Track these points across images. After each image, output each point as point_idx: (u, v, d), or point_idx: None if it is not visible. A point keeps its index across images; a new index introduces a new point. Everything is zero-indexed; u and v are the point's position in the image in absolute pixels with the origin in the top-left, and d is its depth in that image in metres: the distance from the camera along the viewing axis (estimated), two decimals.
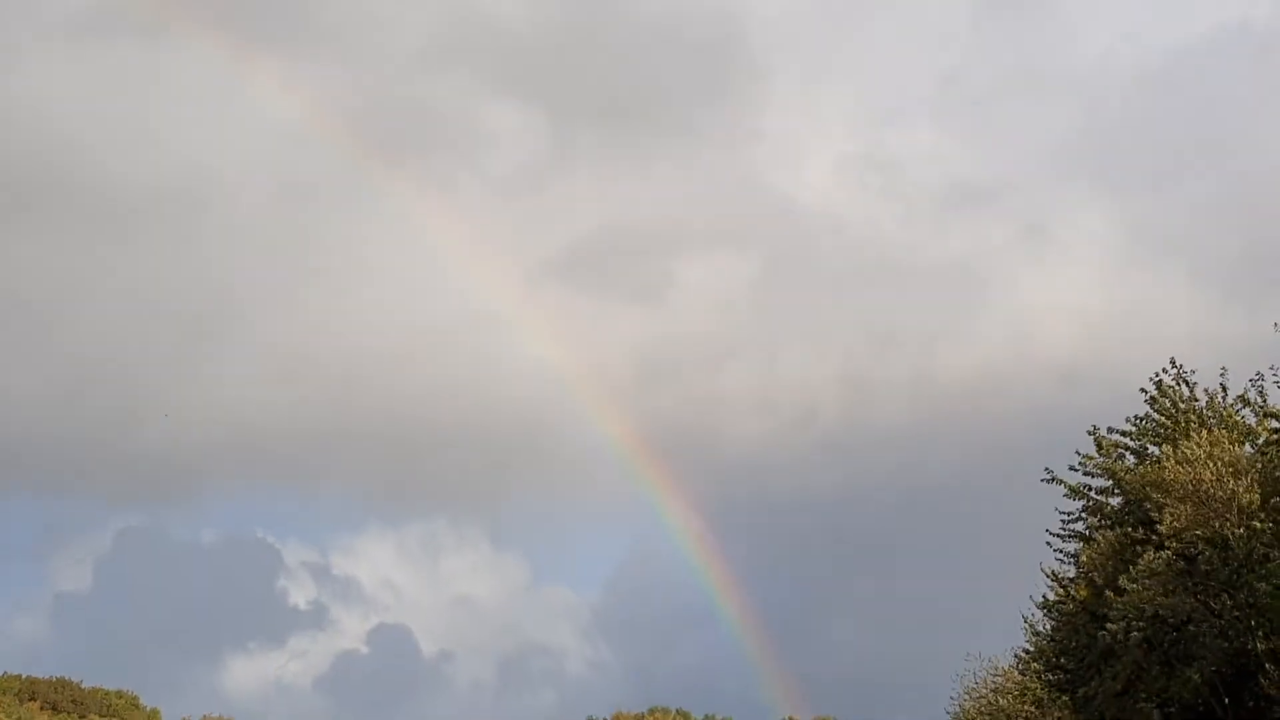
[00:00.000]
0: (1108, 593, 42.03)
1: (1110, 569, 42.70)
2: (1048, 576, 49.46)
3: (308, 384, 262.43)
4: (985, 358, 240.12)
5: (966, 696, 63.85)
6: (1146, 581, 40.13)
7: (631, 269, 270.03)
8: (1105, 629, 41.84)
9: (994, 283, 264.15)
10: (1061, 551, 47.78)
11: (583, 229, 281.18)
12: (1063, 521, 47.75)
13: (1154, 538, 42.00)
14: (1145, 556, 40.65)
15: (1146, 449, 45.40)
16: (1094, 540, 45.19)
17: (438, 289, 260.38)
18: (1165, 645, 41.67)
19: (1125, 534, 42.82)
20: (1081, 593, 46.68)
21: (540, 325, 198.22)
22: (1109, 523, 45.07)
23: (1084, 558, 44.84)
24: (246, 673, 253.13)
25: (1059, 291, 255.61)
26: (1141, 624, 40.64)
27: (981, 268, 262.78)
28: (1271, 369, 43.58)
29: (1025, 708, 57.44)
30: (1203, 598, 40.04)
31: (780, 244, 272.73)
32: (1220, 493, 39.91)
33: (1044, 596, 50.25)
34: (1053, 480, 46.29)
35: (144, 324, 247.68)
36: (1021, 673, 56.26)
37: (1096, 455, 45.74)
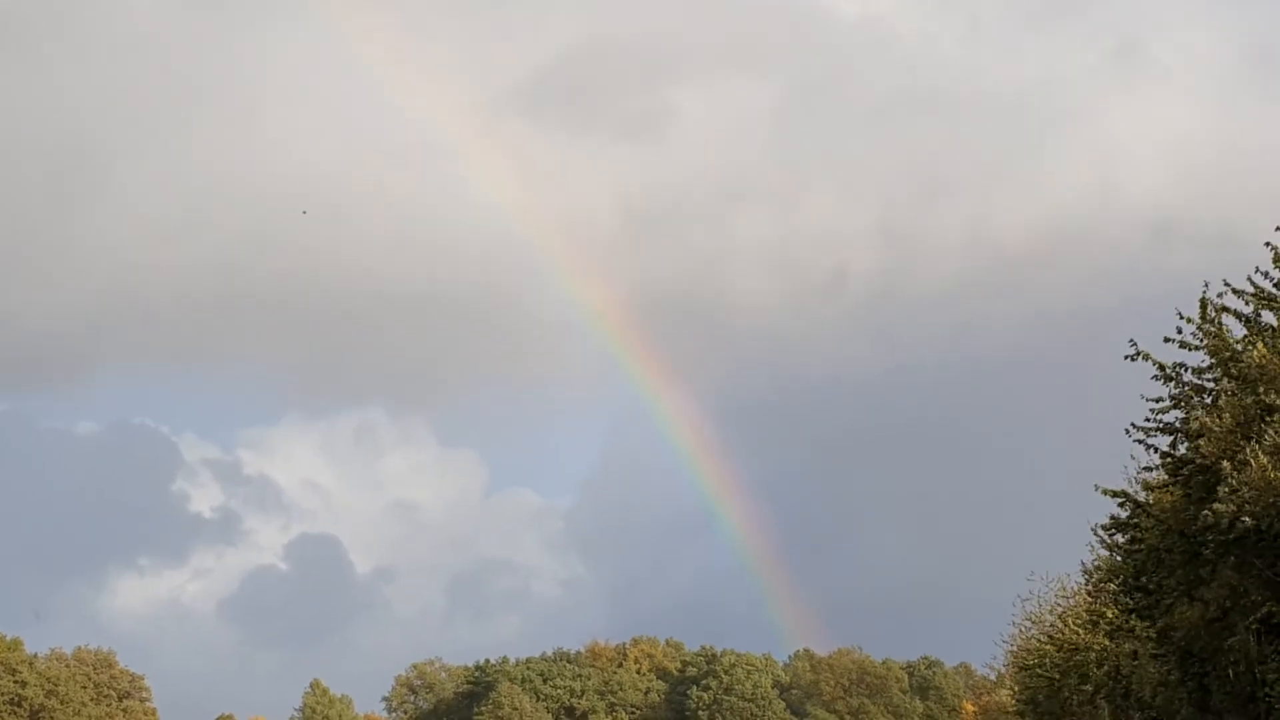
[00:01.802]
0: (1227, 472, 33.76)
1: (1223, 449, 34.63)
2: (1109, 494, 41.21)
3: (206, 242, 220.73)
4: (1057, 206, 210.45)
5: (1029, 623, 56.13)
6: (1264, 461, 32.15)
7: (619, 98, 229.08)
8: (1212, 509, 33.85)
9: (1071, 114, 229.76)
10: (1150, 446, 39.50)
11: (557, 46, 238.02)
12: (1150, 412, 39.47)
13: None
14: (1274, 422, 32.54)
15: (1260, 316, 37.01)
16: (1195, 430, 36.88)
17: (372, 121, 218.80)
18: (1275, 549, 33.87)
19: (1256, 400, 34.46)
20: (1165, 503, 39.54)
21: (503, 167, 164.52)
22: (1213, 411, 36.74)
23: (1198, 429, 36.35)
24: (135, 594, 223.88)
25: (1153, 125, 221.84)
26: (1256, 512, 32.72)
27: (1057, 95, 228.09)
28: None
29: (1097, 639, 49.53)
30: None
31: (806, 66, 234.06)
32: None
33: (1111, 516, 43.66)
34: (1139, 357, 37.73)
35: None
36: (1092, 595, 48.24)
37: (1199, 322, 37.32)
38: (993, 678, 76.82)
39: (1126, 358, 38.69)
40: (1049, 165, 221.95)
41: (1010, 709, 67.05)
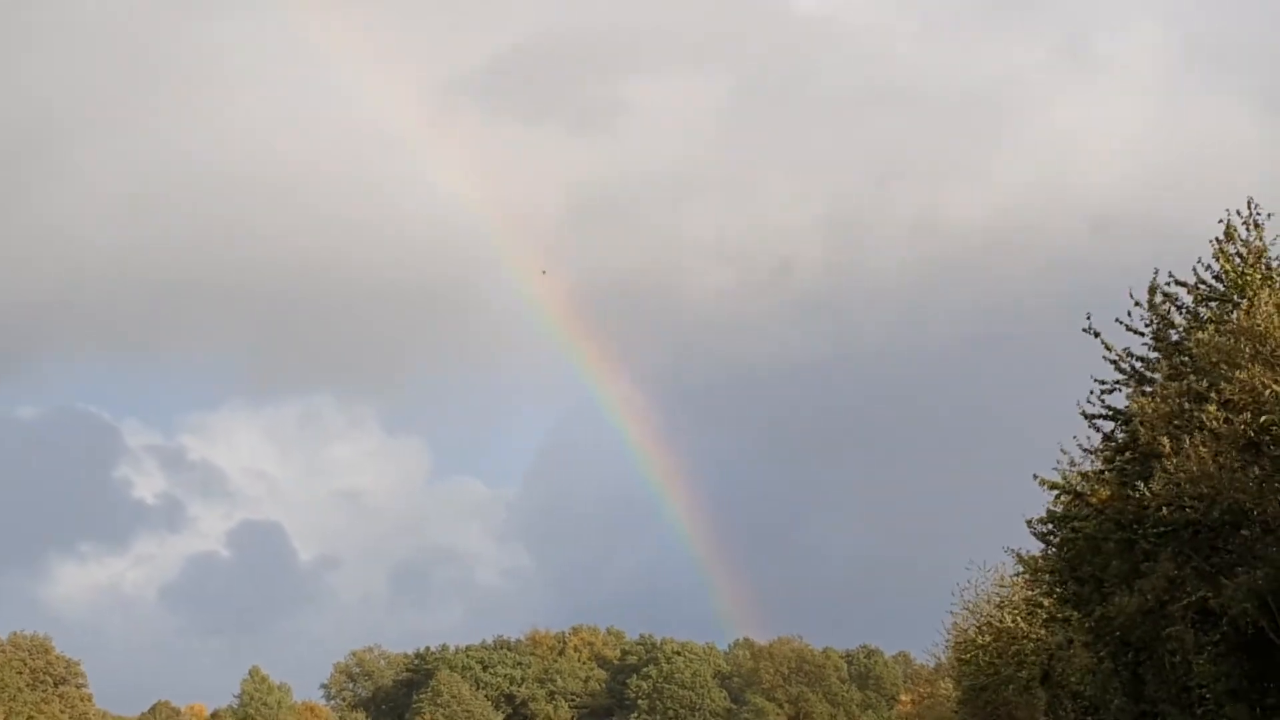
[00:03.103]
0: (1165, 450, 33.68)
1: (1160, 434, 34.49)
2: (1046, 485, 41.20)
3: (153, 226, 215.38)
4: (1005, 200, 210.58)
5: (967, 613, 56.04)
6: (1202, 451, 31.98)
7: (572, 89, 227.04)
8: (1149, 489, 33.72)
9: (1020, 109, 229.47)
10: (1095, 427, 39.46)
11: (511, 37, 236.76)
12: (1093, 394, 39.40)
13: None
14: (1209, 411, 32.38)
15: (1201, 309, 37.04)
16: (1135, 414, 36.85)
17: (325, 107, 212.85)
18: (1211, 541, 33.77)
19: (1188, 386, 34.32)
20: (1103, 494, 39.30)
21: (454, 156, 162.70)
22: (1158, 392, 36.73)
23: (1135, 411, 36.33)
24: (75, 581, 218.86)
25: (1100, 119, 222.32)
26: (1192, 503, 32.64)
27: (1006, 90, 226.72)
28: None
29: (1034, 629, 49.38)
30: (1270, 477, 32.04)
31: (758, 60, 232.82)
32: None
33: (1048, 510, 43.57)
34: (1091, 332, 37.77)
35: None
36: (1030, 584, 48.15)
37: (1146, 309, 37.40)
38: (932, 665, 76.83)
39: (1084, 330, 38.77)
40: (998, 159, 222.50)
41: (951, 698, 67.01)
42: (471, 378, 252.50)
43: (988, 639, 52.95)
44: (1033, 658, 50.33)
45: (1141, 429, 36.61)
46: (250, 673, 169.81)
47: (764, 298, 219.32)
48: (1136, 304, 38.06)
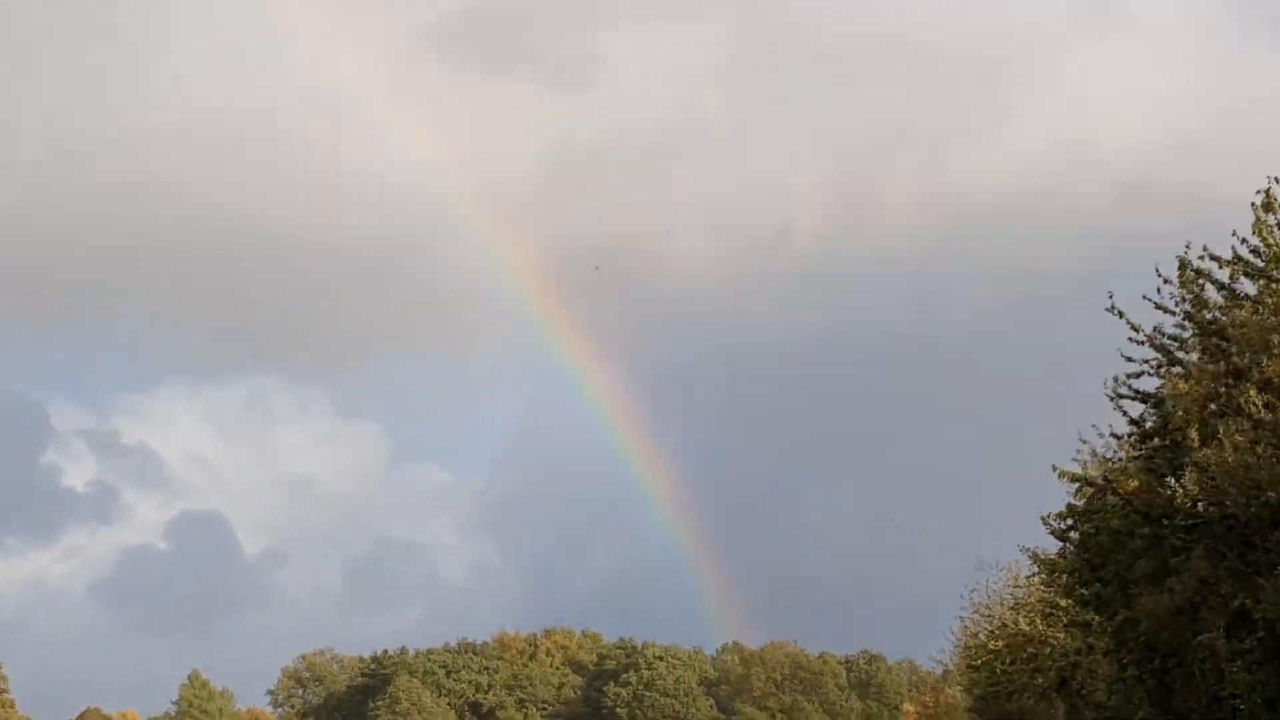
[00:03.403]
0: (1193, 443, 34.32)
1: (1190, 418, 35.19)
2: (1066, 477, 42.45)
3: (86, 190, 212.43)
4: (1021, 164, 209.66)
5: (978, 617, 56.66)
6: (1239, 439, 32.69)
7: (546, 41, 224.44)
8: (1181, 485, 34.17)
9: (1038, 64, 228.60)
10: (1122, 411, 40.19)
11: None
12: (1122, 377, 40.06)
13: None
14: (1248, 395, 33.06)
15: (1237, 284, 37.65)
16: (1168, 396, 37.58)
17: (276, 62, 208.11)
18: (1247, 538, 34.45)
19: (1225, 368, 35.00)
20: (1129, 485, 39.95)
21: (416, 114, 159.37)
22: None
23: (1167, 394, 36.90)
24: None
25: (1125, 76, 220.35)
26: (1228, 496, 33.30)
27: (1022, 44, 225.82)
28: None
29: (1052, 632, 50.16)
30: None
31: (750, 10, 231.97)
32: None
33: (1068, 505, 44.04)
34: (1114, 311, 38.48)
35: None
36: (1047, 584, 48.93)
37: (1177, 284, 38.01)
38: (939, 673, 77.62)
39: (1106, 310, 39.01)
40: (1014, 119, 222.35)
41: (960, 707, 67.64)
42: (434, 356, 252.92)
43: (1000, 644, 53.64)
44: (1050, 663, 51.02)
45: (1173, 414, 37.12)
46: (189, 677, 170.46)
47: (758, 270, 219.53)
48: (1166, 281, 38.47)
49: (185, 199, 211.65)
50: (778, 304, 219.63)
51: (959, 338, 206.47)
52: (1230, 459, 34.05)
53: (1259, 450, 33.71)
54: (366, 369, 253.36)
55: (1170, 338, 39.29)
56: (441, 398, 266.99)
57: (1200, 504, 35.64)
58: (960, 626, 60.72)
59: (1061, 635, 50.90)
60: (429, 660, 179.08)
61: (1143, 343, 39.44)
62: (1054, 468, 42.37)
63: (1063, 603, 49.13)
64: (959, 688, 68.30)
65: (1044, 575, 49.40)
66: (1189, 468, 36.62)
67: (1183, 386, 36.68)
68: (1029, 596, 54.24)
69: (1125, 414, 40.84)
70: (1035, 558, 48.05)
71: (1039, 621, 52.34)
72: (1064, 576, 45.98)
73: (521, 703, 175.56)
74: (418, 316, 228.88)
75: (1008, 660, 52.83)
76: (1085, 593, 43.88)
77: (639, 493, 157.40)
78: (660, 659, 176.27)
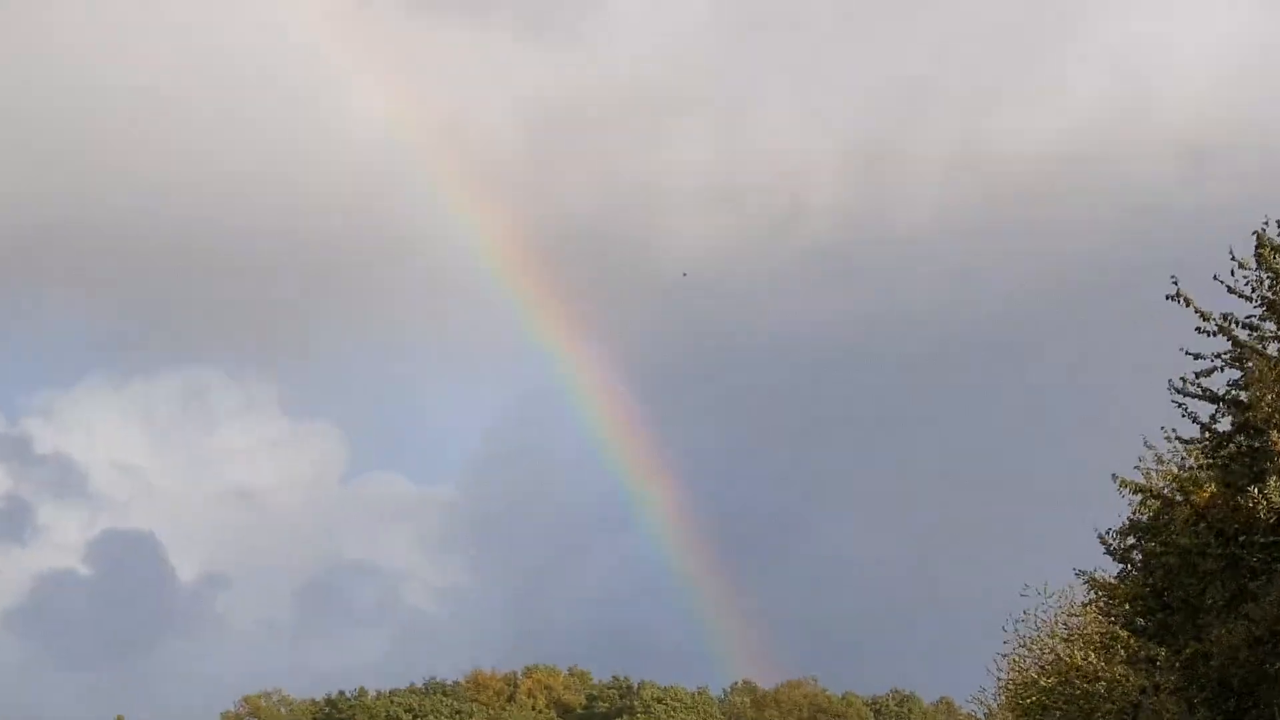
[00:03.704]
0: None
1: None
2: (1129, 488, 42.34)
3: None
4: (1070, 127, 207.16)
5: (1025, 651, 56.16)
6: None
7: None
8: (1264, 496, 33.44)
9: (1091, 12, 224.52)
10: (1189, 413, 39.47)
11: None
12: (1191, 373, 39.48)
13: None
14: None
15: None
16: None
17: (215, 6, 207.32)
18: None
19: None
20: (1202, 496, 39.41)
21: (375, 67, 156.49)
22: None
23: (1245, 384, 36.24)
24: None
25: (1191, 28, 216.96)
26: None
27: None
28: None
29: (1111, 667, 49.61)
30: None
31: None
32: None
33: (1129, 519, 44.17)
34: (1179, 299, 37.50)
35: None
36: (1104, 613, 48.52)
37: (1254, 265, 37.27)
38: (981, 715, 77.10)
39: (1168, 297, 38.51)
40: (1062, 75, 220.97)
41: None
42: (395, 347, 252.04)
43: (1053, 680, 53.25)
44: (1108, 705, 50.71)
45: (1253, 415, 36.46)
46: None
47: (766, 250, 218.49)
48: (1241, 266, 37.66)
49: (110, 172, 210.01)
50: (790, 290, 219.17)
51: (997, 330, 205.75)
52: None
53: None
54: (318, 361, 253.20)
55: (1246, 327, 38.72)
56: (405, 395, 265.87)
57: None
58: (1005, 661, 59.92)
59: (1122, 671, 50.68)
60: (391, 702, 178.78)
61: (1213, 333, 38.91)
62: (1114, 477, 42.08)
63: (1122, 634, 48.63)
64: None
65: (1102, 602, 48.90)
66: (1271, 476, 36.41)
67: (1266, 378, 35.93)
68: (1085, 626, 53.87)
69: (1193, 417, 40.31)
70: (1092, 581, 47.49)
71: (1094, 655, 51.98)
72: (1124, 604, 45.56)
73: None
74: (378, 301, 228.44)
75: (1061, 700, 52.46)
76: (1147, 622, 43.59)
77: (634, 507, 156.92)
78: (660, 701, 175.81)
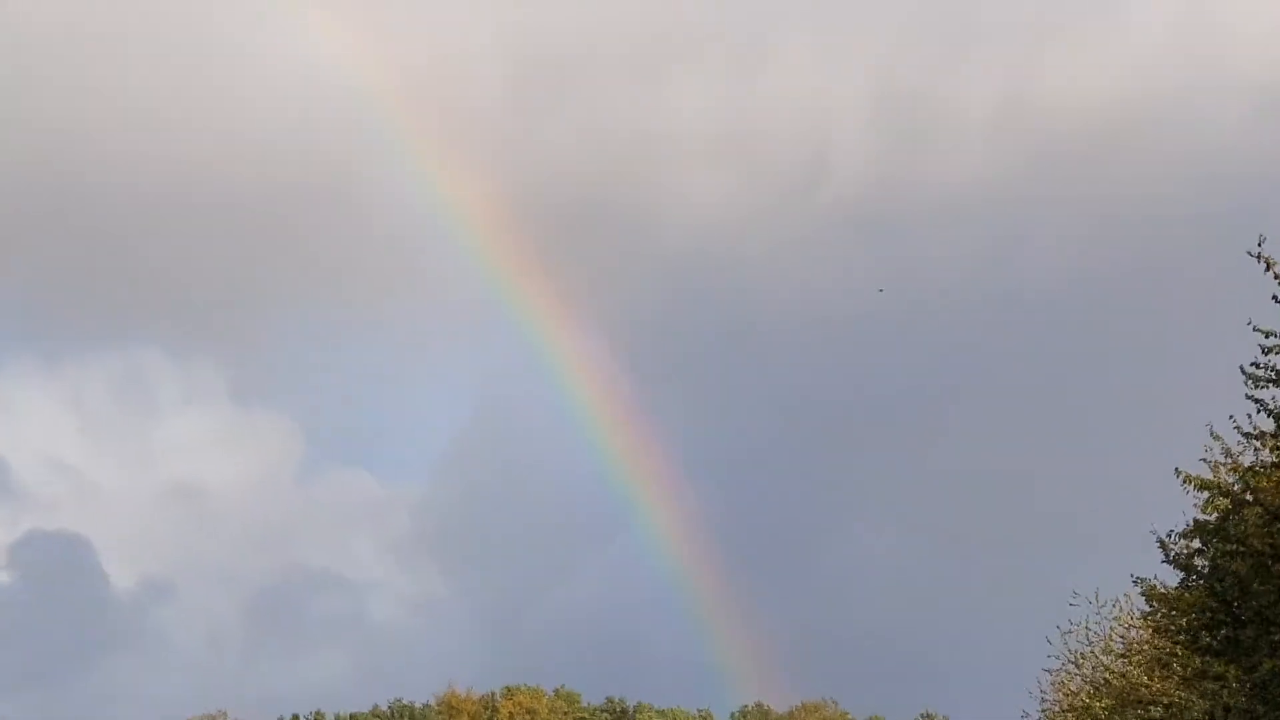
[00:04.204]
0: None
1: None
2: (1195, 484, 42.91)
3: None
4: (1132, 74, 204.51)
5: (1074, 669, 57.02)
6: None
7: None
8: None
9: None
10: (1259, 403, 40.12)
11: None
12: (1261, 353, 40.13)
13: None
14: None
15: None
16: None
17: None
18: None
19: None
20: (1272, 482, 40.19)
21: (335, 2, 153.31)
22: None
23: None
24: None
25: None
26: None
27: None
28: None
29: (1169, 687, 50.35)
30: None
31: None
32: None
33: (1195, 521, 44.30)
34: (1262, 261, 38.39)
35: None
36: (1161, 629, 49.24)
37: None
38: None
39: (1250, 254, 38.57)
40: (1122, 15, 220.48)
41: None
42: (359, 326, 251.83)
43: (1108, 703, 53.93)
44: None
45: None
46: None
47: (785, 214, 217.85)
48: None
49: (33, 129, 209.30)
50: (812, 260, 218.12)
51: (1047, 302, 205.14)
52: None
53: None
54: (271, 341, 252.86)
55: None
56: (369, 381, 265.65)
57: None
58: (1050, 681, 60.85)
59: (1182, 695, 51.20)
60: None
61: None
62: (1177, 471, 42.40)
63: (1180, 652, 49.21)
64: None
65: (1159, 615, 49.52)
66: None
67: None
68: (1143, 643, 54.53)
69: (1266, 408, 40.76)
70: (1151, 591, 48.08)
71: (1147, 674, 52.60)
72: (1184, 618, 46.11)
73: None
74: (338, 274, 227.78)
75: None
76: (1213, 638, 43.90)
77: (630, 508, 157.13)
78: None
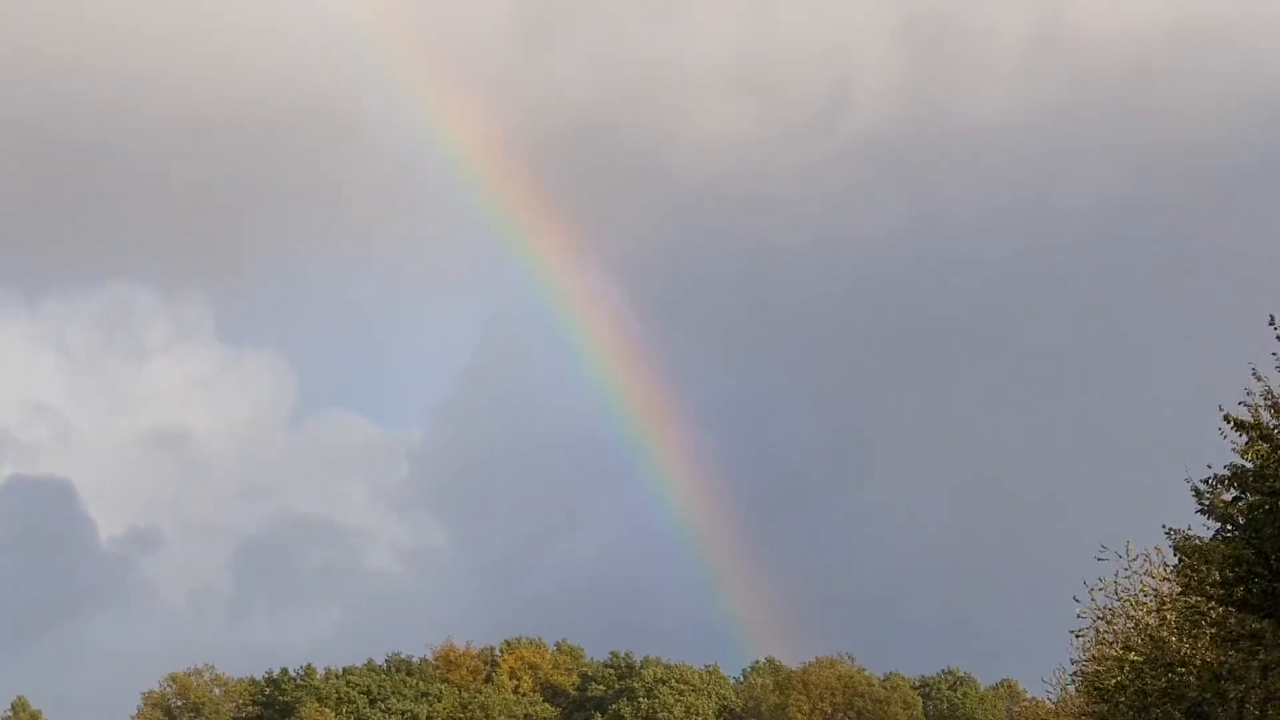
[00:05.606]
0: None
1: None
2: (1237, 426, 43.03)
3: None
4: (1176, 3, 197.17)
5: (1104, 625, 57.56)
6: None
7: None
8: None
9: None
10: None
11: None
12: None
13: None
14: None
15: None
16: None
17: None
18: None
19: None
20: None
21: None
22: None
23: None
24: None
25: None
26: None
27: None
28: None
29: (1199, 649, 51.03)
30: None
31: None
32: None
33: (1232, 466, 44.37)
34: None
35: None
36: (1188, 586, 49.67)
37: None
38: (1052, 700, 78.81)
39: None
40: None
41: None
42: (354, 263, 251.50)
43: (1139, 656, 54.04)
44: (1195, 692, 51.58)
45: None
46: (14, 705, 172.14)
47: (805, 148, 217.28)
48: None
49: (13, 54, 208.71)
50: (833, 196, 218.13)
51: (1079, 241, 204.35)
52: None
53: None
54: (264, 279, 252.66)
55: None
56: (365, 320, 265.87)
57: None
58: (1077, 640, 61.37)
59: (1212, 655, 51.43)
60: (345, 683, 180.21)
61: None
62: (1221, 411, 42.88)
63: (1212, 609, 49.48)
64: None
65: (1189, 570, 49.88)
66: None
67: None
68: (1174, 596, 54.75)
69: None
70: (1184, 543, 48.67)
71: (1176, 635, 53.09)
72: (1217, 571, 46.68)
73: None
74: (333, 209, 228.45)
75: (1150, 675, 53.32)
76: (1248, 593, 44.18)
77: (637, 455, 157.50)
78: (664, 683, 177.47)
